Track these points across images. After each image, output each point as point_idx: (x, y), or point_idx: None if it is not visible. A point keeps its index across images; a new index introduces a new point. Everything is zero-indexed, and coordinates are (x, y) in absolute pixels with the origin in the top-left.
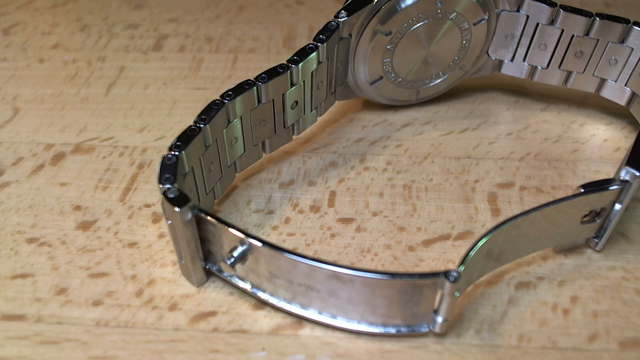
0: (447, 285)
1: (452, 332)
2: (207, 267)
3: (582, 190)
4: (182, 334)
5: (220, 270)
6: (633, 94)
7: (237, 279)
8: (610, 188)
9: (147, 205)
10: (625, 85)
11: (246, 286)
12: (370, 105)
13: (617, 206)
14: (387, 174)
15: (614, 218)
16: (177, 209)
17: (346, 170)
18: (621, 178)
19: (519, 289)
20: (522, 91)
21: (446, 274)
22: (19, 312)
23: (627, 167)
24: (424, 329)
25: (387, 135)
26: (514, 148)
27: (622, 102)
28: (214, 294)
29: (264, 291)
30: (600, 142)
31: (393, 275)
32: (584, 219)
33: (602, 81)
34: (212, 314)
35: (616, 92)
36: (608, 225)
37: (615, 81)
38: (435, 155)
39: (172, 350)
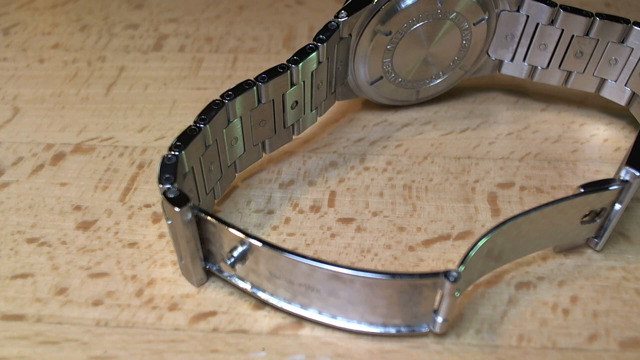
0: (447, 285)
1: (452, 332)
2: (207, 267)
3: (582, 190)
4: (182, 334)
5: (220, 270)
6: (633, 94)
7: (237, 279)
8: (610, 188)
9: (147, 205)
10: (625, 85)
11: (246, 286)
12: (370, 105)
13: (617, 206)
14: (387, 174)
15: (614, 218)
16: (177, 209)
17: (346, 170)
18: (621, 178)
19: (519, 289)
20: (522, 91)
21: (446, 274)
22: (19, 312)
23: (627, 167)
24: (424, 329)
25: (387, 135)
26: (514, 148)
27: (622, 102)
28: (214, 294)
29: (264, 291)
30: (600, 142)
31: (393, 275)
32: (584, 219)
33: (602, 81)
34: (212, 314)
35: (616, 92)
36: (608, 225)
37: (615, 81)
38: (435, 155)
39: (172, 350)
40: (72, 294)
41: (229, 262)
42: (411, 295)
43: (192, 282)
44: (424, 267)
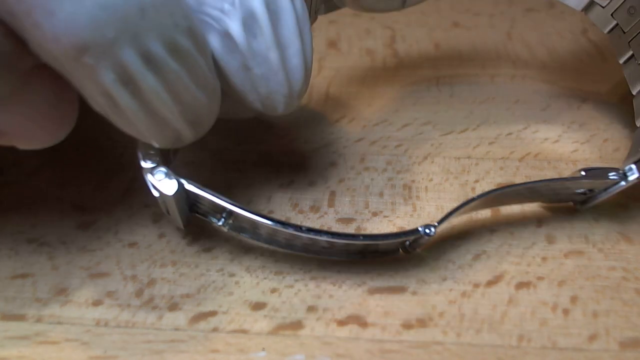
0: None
1: (452, 332)
2: (193, 214)
3: (583, 174)
4: (182, 334)
5: (205, 216)
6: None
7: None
8: (610, 176)
9: (147, 206)
10: None
11: (231, 233)
12: (370, 105)
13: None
14: (387, 174)
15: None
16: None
17: (346, 170)
18: (624, 171)
19: (519, 289)
20: (522, 91)
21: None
22: (19, 312)
23: (631, 165)
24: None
25: (387, 135)
26: (514, 148)
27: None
28: (214, 294)
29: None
30: (600, 142)
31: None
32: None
33: None
34: (212, 314)
35: None
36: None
37: None
38: (435, 155)
39: (172, 350)
40: (72, 294)
41: (219, 223)
42: None
43: (177, 224)
44: (424, 267)
